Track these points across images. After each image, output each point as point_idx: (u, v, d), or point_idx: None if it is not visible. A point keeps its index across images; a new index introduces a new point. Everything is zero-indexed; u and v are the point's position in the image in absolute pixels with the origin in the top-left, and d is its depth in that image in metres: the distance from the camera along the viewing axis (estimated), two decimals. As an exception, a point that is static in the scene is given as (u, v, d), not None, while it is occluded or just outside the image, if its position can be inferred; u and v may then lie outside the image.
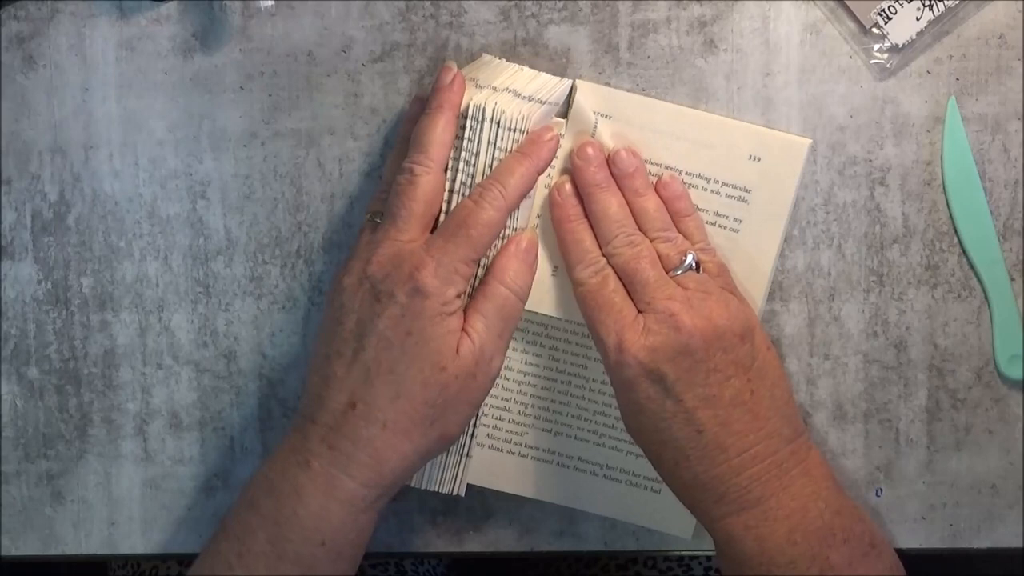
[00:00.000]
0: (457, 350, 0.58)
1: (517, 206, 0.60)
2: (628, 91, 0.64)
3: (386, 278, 0.58)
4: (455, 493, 0.65)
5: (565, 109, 0.64)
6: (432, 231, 0.59)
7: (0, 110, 0.67)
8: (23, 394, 0.69)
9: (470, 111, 0.59)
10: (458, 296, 0.58)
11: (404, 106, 0.65)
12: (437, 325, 0.57)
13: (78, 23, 0.66)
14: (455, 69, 0.60)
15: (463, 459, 0.65)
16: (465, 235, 0.58)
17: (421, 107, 0.62)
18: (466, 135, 0.59)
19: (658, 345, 0.58)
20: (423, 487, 0.64)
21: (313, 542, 0.57)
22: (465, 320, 0.59)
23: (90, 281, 0.68)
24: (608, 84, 0.64)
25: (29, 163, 0.67)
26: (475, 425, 0.64)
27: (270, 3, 0.65)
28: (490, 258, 0.61)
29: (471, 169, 0.60)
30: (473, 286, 0.60)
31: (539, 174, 0.61)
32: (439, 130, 0.59)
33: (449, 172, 0.59)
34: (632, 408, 0.59)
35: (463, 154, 0.59)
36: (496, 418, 0.66)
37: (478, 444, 0.66)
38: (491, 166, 0.60)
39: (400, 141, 0.63)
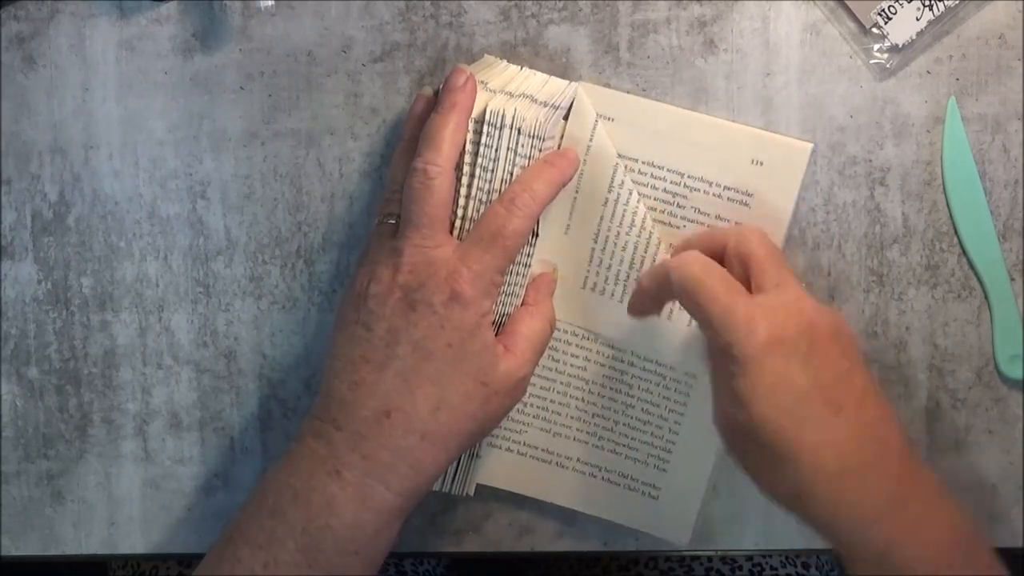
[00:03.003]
0: (499, 366, 0.58)
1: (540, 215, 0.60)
2: (628, 92, 0.64)
3: (421, 287, 0.57)
4: (464, 493, 0.65)
5: (566, 111, 0.63)
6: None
7: (0, 110, 0.67)
8: (23, 394, 0.69)
9: (487, 116, 0.59)
10: (492, 307, 0.58)
11: (404, 106, 0.65)
12: (476, 338, 0.57)
13: (78, 23, 0.66)
14: (468, 71, 0.59)
15: (472, 459, 0.65)
16: (501, 246, 0.58)
17: (425, 104, 0.62)
18: (483, 140, 0.59)
19: (783, 321, 0.54)
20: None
21: (347, 552, 0.56)
22: (511, 340, 0.59)
23: (90, 281, 0.68)
24: (608, 85, 0.64)
25: (29, 163, 0.67)
26: None
27: (270, 3, 0.65)
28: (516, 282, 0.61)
29: (489, 175, 0.59)
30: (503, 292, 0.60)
31: (563, 185, 0.61)
32: (451, 130, 0.58)
33: (465, 177, 0.59)
34: (764, 388, 0.53)
35: (480, 160, 0.59)
36: (496, 417, 0.66)
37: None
38: (511, 172, 0.59)
39: (408, 139, 0.62)
